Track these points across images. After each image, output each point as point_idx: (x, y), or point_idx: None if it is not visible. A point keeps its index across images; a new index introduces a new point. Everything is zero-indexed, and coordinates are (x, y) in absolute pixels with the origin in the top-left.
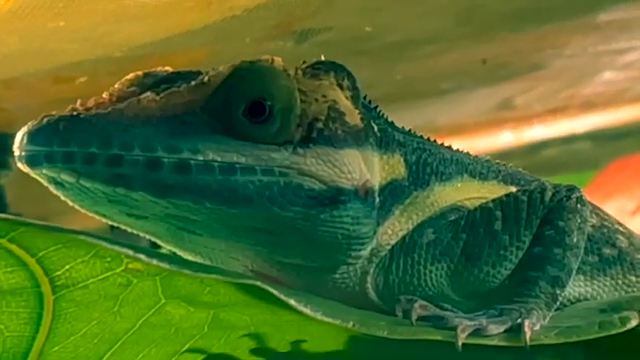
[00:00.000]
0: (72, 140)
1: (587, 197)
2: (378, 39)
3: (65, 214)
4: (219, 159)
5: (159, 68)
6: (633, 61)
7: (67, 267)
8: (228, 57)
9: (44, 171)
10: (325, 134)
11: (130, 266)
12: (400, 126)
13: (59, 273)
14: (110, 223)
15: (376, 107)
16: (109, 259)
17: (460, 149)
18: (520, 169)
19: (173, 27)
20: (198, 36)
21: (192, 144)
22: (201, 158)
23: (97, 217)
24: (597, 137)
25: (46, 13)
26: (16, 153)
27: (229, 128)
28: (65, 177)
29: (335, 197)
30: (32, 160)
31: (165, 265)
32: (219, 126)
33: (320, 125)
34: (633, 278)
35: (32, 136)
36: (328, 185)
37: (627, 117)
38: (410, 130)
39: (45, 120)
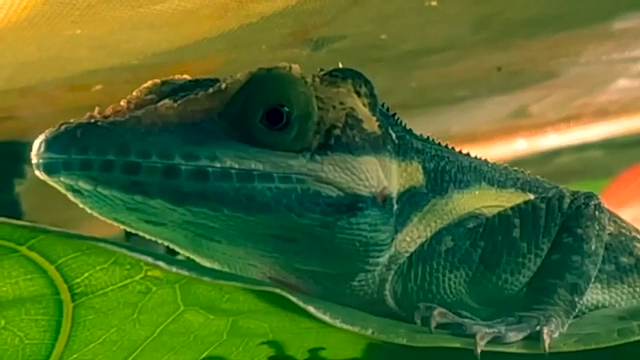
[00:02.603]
0: (89, 147)
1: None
2: (393, 47)
3: (80, 222)
4: (237, 166)
5: (177, 76)
6: None
7: (86, 274)
8: (244, 65)
9: (62, 179)
10: (343, 141)
11: (149, 273)
12: (418, 133)
13: (78, 280)
14: (128, 230)
15: (394, 114)
16: (128, 267)
17: (477, 156)
18: (538, 176)
19: (189, 35)
20: (214, 44)
21: (209, 151)
22: (218, 165)
23: (115, 224)
24: (611, 145)
25: (62, 21)
26: (34, 161)
27: (247, 135)
28: (83, 185)
29: (353, 204)
30: (49, 168)
31: (184, 272)
32: (236, 133)
33: (338, 132)
34: None
35: (49, 144)
36: (346, 192)
37: None
38: (428, 137)
39: (62, 127)
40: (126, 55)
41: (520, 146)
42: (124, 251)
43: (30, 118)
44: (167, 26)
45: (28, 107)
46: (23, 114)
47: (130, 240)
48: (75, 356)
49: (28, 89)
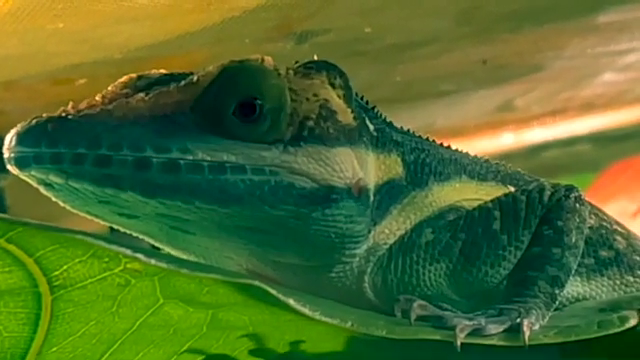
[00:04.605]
0: (60, 141)
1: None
2: (377, 40)
3: (66, 217)
4: (209, 158)
5: (153, 70)
6: (633, 62)
7: (65, 267)
8: (227, 59)
9: (33, 172)
10: (316, 133)
11: (128, 266)
12: (399, 126)
13: (57, 273)
14: (104, 223)
15: (373, 107)
16: (107, 259)
17: (459, 149)
18: (519, 169)
19: (173, 29)
20: (198, 38)
21: (181, 144)
22: (190, 157)
23: (89, 217)
24: (597, 139)
25: (45, 14)
26: (5, 155)
27: (219, 127)
28: (54, 178)
29: (327, 195)
30: (21, 161)
31: (163, 265)
32: (209, 126)
33: (311, 124)
34: (631, 278)
35: (21, 138)
36: (320, 183)
37: (627, 119)
38: (408, 130)
39: (34, 121)
40: (109, 49)
41: (506, 140)
42: (103, 244)
43: (13, 112)
44: (150, 20)
45: (11, 101)
46: (6, 108)
47: (113, 235)
48: (54, 349)
49: (11, 83)
